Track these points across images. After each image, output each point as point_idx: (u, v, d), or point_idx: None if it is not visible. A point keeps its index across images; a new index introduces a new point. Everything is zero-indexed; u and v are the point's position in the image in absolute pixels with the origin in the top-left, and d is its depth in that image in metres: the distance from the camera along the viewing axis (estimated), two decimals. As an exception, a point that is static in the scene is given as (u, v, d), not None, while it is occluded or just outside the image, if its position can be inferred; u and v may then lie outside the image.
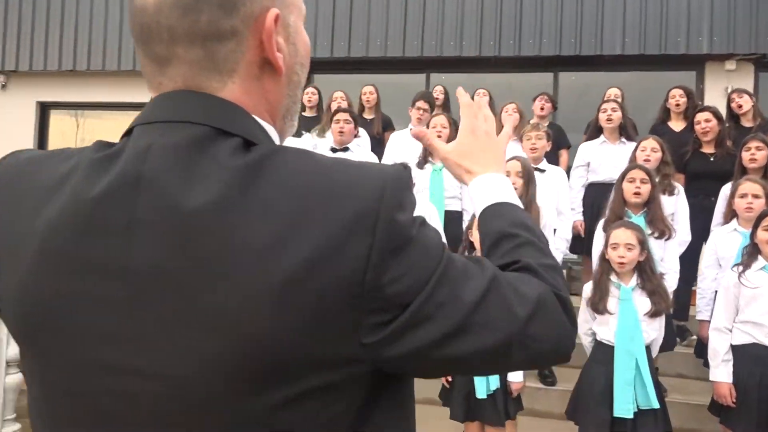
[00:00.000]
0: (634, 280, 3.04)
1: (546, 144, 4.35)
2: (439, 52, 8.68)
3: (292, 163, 0.70)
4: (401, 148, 5.10)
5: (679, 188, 4.17)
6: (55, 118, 10.14)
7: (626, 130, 4.90)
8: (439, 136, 4.43)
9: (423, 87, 9.09)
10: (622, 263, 3.00)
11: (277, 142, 0.81)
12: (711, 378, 3.11)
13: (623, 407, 2.90)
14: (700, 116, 4.67)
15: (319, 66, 9.19)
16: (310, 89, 6.40)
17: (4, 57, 9.76)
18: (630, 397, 2.91)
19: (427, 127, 4.54)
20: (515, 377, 3.15)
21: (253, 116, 0.76)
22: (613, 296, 3.05)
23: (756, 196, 3.52)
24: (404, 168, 0.74)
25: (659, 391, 3.00)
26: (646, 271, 3.04)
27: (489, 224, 0.92)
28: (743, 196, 3.56)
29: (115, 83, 9.28)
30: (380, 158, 5.43)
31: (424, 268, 0.69)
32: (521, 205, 0.96)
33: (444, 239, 0.86)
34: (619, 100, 5.51)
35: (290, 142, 4.95)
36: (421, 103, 5.28)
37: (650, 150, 4.13)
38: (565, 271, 5.82)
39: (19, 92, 9.88)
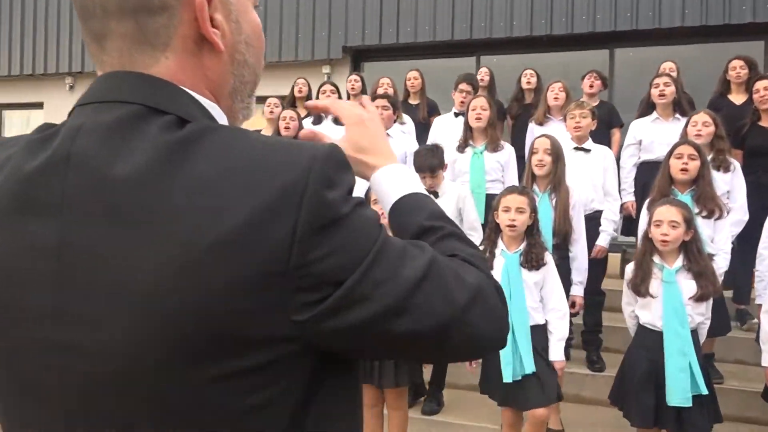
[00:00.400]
0: (679, 261, 2.90)
1: (591, 122, 4.20)
2: (488, 33, 8.51)
3: (224, 139, 0.69)
4: (444, 132, 5.04)
5: (736, 165, 3.94)
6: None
7: (680, 106, 4.67)
8: (479, 119, 4.36)
9: (473, 70, 8.97)
10: (665, 241, 2.86)
11: (222, 121, 0.81)
12: (763, 363, 2.94)
13: (680, 396, 2.75)
14: (760, 84, 4.39)
15: (368, 53, 9.26)
16: (352, 77, 6.40)
17: (71, 59, 10.23)
18: (686, 384, 2.77)
19: (467, 110, 4.46)
20: (556, 355, 3.03)
21: (192, 93, 0.75)
22: (656, 278, 2.91)
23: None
24: (336, 148, 0.72)
25: (708, 377, 2.86)
26: (692, 252, 2.89)
27: (406, 218, 0.89)
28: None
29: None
30: (425, 143, 5.40)
31: (358, 247, 0.68)
32: (427, 193, 0.93)
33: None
34: (674, 74, 5.25)
35: (331, 129, 4.99)
36: (463, 86, 5.21)
37: (702, 124, 3.92)
38: (619, 255, 5.63)
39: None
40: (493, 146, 4.37)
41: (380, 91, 5.65)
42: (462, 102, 5.15)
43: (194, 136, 0.69)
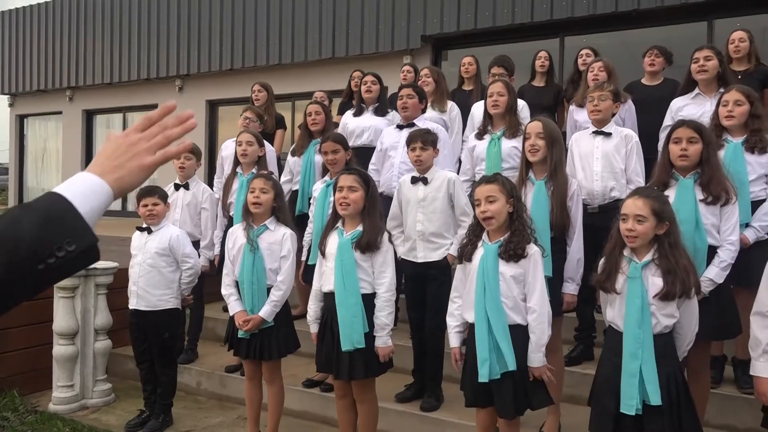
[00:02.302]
0: (649, 255, 2.60)
1: (611, 105, 3.83)
2: (570, 12, 8.04)
3: None
4: (478, 118, 4.87)
5: (775, 143, 3.45)
6: (222, 111, 11.30)
7: (726, 81, 4.14)
8: (497, 105, 4.17)
9: (557, 52, 8.52)
10: (630, 237, 2.58)
11: None
12: (751, 372, 2.55)
13: (627, 403, 2.50)
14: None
15: (448, 41, 9.12)
16: (405, 67, 6.33)
17: (179, 63, 11.09)
18: (633, 390, 2.50)
19: (486, 96, 4.28)
20: (532, 361, 2.78)
21: None
22: (623, 273, 2.64)
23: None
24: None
25: (684, 386, 2.54)
26: (664, 246, 2.58)
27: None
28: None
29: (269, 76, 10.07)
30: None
31: None
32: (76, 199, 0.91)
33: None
34: (744, 44, 4.70)
35: (371, 120, 4.95)
36: (495, 69, 4.97)
37: (733, 103, 3.45)
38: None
39: (192, 93, 11.16)
40: (512, 132, 4.16)
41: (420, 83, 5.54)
42: (493, 86, 4.93)
43: None
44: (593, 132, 3.91)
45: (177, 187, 4.48)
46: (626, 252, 2.66)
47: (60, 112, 12.81)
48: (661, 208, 2.58)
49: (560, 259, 3.30)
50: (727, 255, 2.96)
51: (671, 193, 3.07)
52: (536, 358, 2.78)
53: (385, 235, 3.18)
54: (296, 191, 4.89)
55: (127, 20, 11.63)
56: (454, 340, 2.98)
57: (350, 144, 5.15)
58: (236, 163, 4.55)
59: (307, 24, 9.85)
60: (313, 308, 3.32)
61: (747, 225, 3.34)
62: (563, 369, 3.49)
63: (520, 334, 2.79)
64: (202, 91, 11.20)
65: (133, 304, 3.83)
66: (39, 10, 12.75)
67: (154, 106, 11.67)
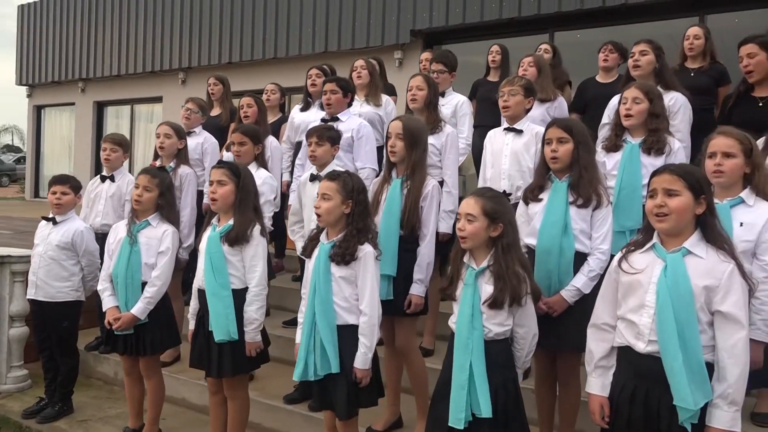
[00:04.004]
0: (486, 261, 2.46)
1: (523, 100, 3.64)
2: (558, 7, 7.78)
3: None
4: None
5: (675, 146, 3.20)
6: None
7: (663, 78, 3.90)
8: (414, 99, 4.03)
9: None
10: (461, 237, 2.44)
11: None
12: (586, 388, 2.37)
13: (455, 416, 2.34)
14: (743, 50, 3.52)
15: (439, 36, 8.95)
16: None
17: (181, 56, 11.23)
18: (460, 403, 2.36)
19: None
20: (357, 362, 2.68)
21: None
22: (462, 279, 2.50)
23: (726, 155, 2.55)
24: None
25: (500, 397, 2.38)
26: (498, 250, 2.42)
27: None
28: (711, 155, 2.61)
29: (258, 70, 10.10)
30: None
31: None
32: None
33: None
34: (699, 41, 4.46)
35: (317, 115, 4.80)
36: (435, 65, 4.79)
37: (631, 101, 3.22)
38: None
39: (194, 86, 11.28)
40: (431, 128, 4.00)
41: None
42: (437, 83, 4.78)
43: None
44: (504, 129, 3.75)
45: (103, 179, 4.50)
46: (465, 258, 2.52)
47: (73, 104, 13.16)
48: (494, 208, 2.42)
49: (410, 259, 3.18)
50: (596, 264, 2.76)
51: (546, 196, 2.91)
52: (362, 360, 2.68)
53: (256, 228, 3.10)
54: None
55: (134, 13, 11.85)
56: (297, 337, 2.89)
57: (296, 139, 5.10)
58: (155, 155, 4.54)
59: (301, 18, 9.84)
60: (193, 305, 3.28)
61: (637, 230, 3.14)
62: (425, 370, 3.34)
63: (350, 333, 2.71)
64: (203, 83, 11.30)
65: (31, 294, 3.84)
66: (54, 4, 13.12)
67: (159, 99, 11.87)
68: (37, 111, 14.12)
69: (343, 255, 2.71)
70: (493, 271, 2.41)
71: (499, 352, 2.44)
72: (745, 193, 2.57)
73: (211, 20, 10.86)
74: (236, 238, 3.03)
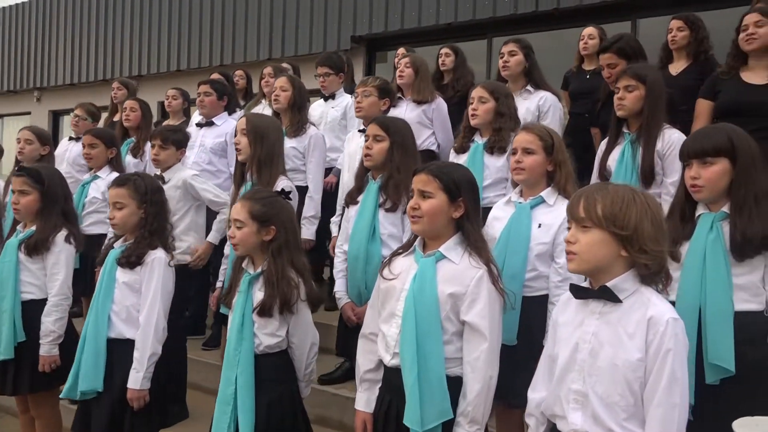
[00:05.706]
0: (263, 265, 2.29)
1: (377, 102, 3.49)
2: (492, 12, 7.66)
3: None
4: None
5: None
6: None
7: (533, 78, 3.75)
8: (277, 98, 3.89)
9: (484, 53, 8.13)
10: (233, 245, 2.28)
11: None
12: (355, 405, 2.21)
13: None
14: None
15: (381, 42, 8.83)
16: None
17: (131, 64, 11.12)
18: (225, 421, 2.14)
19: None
20: (133, 380, 2.44)
21: None
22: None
23: (526, 151, 2.39)
24: None
25: (273, 413, 2.21)
26: (270, 254, 2.26)
27: None
28: (513, 152, 2.44)
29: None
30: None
31: None
32: None
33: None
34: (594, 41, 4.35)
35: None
36: (320, 69, 4.63)
37: (477, 100, 3.07)
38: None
39: (146, 94, 11.15)
40: (294, 130, 3.84)
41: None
42: (323, 86, 4.65)
43: None
44: (359, 130, 3.60)
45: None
46: (244, 263, 2.36)
47: (29, 113, 13.05)
48: (262, 211, 2.25)
49: None
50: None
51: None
52: (135, 378, 2.47)
53: (60, 234, 2.92)
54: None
55: (87, 21, 11.77)
56: None
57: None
58: (16, 161, 4.39)
59: (246, 26, 9.74)
60: None
61: None
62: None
63: (129, 349, 2.51)
64: (157, 91, 11.18)
65: None
66: (8, 13, 13.05)
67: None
68: (-6, 121, 14.03)
69: (129, 257, 2.54)
70: (265, 276, 2.25)
71: (272, 366, 2.26)
72: (546, 192, 2.40)
73: (160, 28, 10.78)
74: (35, 245, 2.85)
